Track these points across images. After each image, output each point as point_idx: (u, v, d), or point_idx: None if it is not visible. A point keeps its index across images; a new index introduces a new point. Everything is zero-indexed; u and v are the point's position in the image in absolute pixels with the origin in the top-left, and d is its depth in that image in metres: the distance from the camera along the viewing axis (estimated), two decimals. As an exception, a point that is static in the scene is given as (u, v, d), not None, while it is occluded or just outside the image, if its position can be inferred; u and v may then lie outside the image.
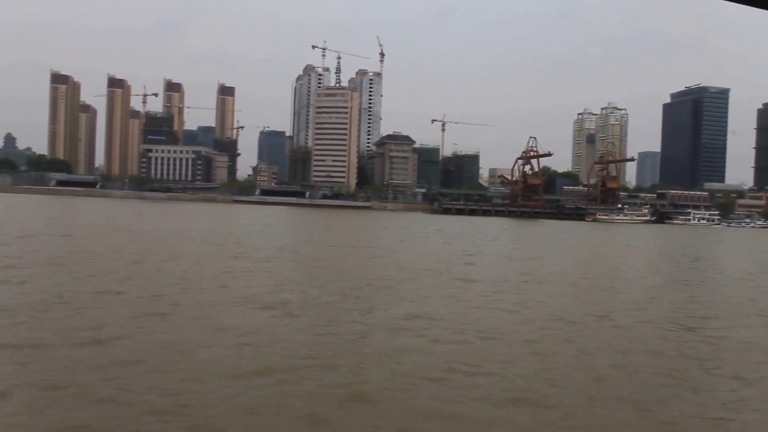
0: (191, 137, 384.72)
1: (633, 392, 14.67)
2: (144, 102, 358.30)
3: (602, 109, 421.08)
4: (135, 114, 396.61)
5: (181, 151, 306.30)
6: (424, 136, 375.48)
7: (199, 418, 11.90)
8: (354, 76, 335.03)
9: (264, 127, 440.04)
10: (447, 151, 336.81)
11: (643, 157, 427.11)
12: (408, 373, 15.25)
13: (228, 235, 65.24)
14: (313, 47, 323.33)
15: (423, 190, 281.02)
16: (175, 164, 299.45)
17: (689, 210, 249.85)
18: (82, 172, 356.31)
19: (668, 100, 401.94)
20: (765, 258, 74.27)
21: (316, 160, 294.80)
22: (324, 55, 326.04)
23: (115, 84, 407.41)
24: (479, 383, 14.75)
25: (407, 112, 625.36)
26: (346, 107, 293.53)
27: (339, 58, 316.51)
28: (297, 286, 29.45)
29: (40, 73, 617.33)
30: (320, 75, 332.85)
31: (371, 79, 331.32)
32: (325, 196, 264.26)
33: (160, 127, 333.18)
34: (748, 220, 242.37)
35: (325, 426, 11.94)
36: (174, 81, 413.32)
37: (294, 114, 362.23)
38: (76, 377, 13.63)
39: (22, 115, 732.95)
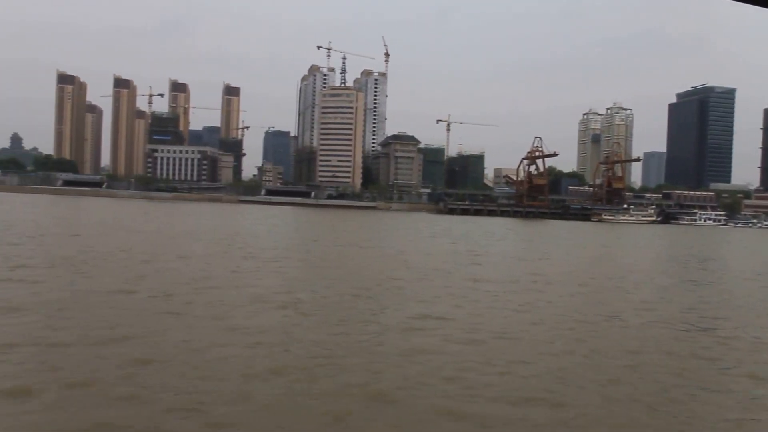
0: (197, 137, 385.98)
1: (647, 392, 14.71)
2: (150, 102, 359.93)
3: (607, 109, 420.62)
4: (141, 114, 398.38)
5: (187, 151, 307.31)
6: (426, 136, 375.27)
7: (216, 417, 12.01)
8: (359, 76, 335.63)
9: (269, 128, 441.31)
10: (452, 152, 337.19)
11: (649, 157, 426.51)
12: (422, 372, 15.34)
13: (235, 235, 65.44)
14: (318, 47, 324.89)
15: (428, 191, 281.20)
16: (180, 164, 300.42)
17: (695, 210, 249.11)
18: (88, 172, 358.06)
19: (673, 100, 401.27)
20: (773, 258, 74.00)
21: (321, 160, 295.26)
22: (329, 56, 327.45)
23: (121, 84, 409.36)
24: (493, 382, 14.82)
25: (410, 112, 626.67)
26: (352, 107, 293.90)
27: (344, 58, 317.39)
28: (307, 285, 29.55)
29: (46, 73, 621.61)
30: (325, 75, 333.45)
31: (376, 80, 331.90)
32: (330, 196, 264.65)
33: (166, 128, 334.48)
34: (755, 221, 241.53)
35: (342, 425, 12.02)
36: (180, 81, 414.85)
37: (299, 114, 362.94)
38: (96, 375, 13.77)
39: (29, 115, 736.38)
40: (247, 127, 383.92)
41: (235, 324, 19.78)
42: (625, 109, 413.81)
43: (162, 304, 22.40)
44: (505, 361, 16.75)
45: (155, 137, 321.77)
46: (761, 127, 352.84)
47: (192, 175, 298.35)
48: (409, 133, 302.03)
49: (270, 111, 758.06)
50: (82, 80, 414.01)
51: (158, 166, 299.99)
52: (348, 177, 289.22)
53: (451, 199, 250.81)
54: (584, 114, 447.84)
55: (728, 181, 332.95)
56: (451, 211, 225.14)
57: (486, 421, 12.41)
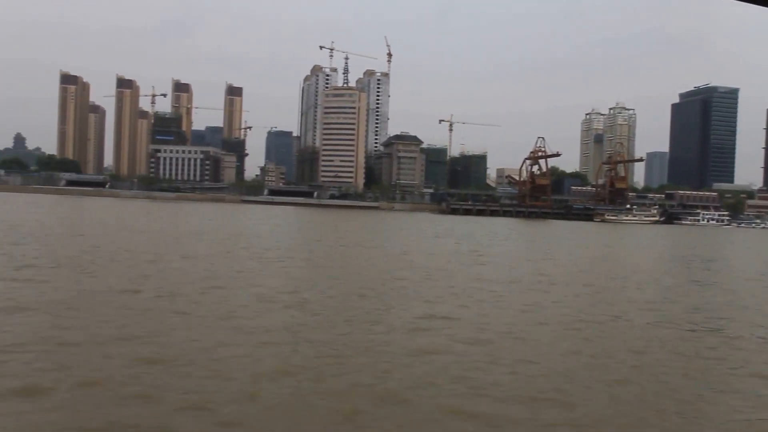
0: (199, 137, 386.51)
1: (655, 392, 14.73)
2: (153, 102, 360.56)
3: (610, 109, 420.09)
4: (144, 114, 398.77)
5: (190, 152, 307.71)
6: (427, 136, 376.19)
7: (224, 416, 12.07)
8: (361, 76, 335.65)
9: (271, 128, 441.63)
10: (454, 152, 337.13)
11: (651, 157, 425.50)
12: (429, 371, 15.39)
13: (239, 235, 65.54)
14: (321, 47, 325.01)
15: (431, 191, 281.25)
16: (183, 164, 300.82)
17: (698, 210, 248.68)
18: (91, 172, 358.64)
19: (674, 100, 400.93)
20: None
21: (323, 160, 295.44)
22: (331, 56, 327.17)
23: (124, 84, 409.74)
24: (501, 382, 14.86)
25: (412, 112, 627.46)
26: (354, 107, 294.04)
27: (347, 58, 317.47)
28: (312, 285, 29.61)
29: (49, 73, 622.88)
30: (328, 75, 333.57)
31: (379, 80, 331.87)
32: (333, 196, 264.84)
33: (169, 128, 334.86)
34: (758, 221, 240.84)
35: (351, 424, 12.07)
36: (182, 81, 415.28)
37: (301, 114, 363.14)
38: (105, 375, 13.85)
39: (32, 116, 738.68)
40: (250, 127, 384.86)
41: (241, 324, 19.84)
42: (628, 109, 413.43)
43: (168, 304, 22.47)
44: (512, 361, 16.78)
45: (158, 137, 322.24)
46: (764, 127, 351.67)
47: (195, 175, 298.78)
48: (412, 133, 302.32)
49: (272, 111, 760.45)
50: (85, 80, 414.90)
51: (161, 166, 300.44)
52: (351, 177, 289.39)
53: (454, 199, 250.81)
54: (587, 114, 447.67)
55: (731, 181, 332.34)
56: (454, 211, 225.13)
57: (494, 421, 12.45)
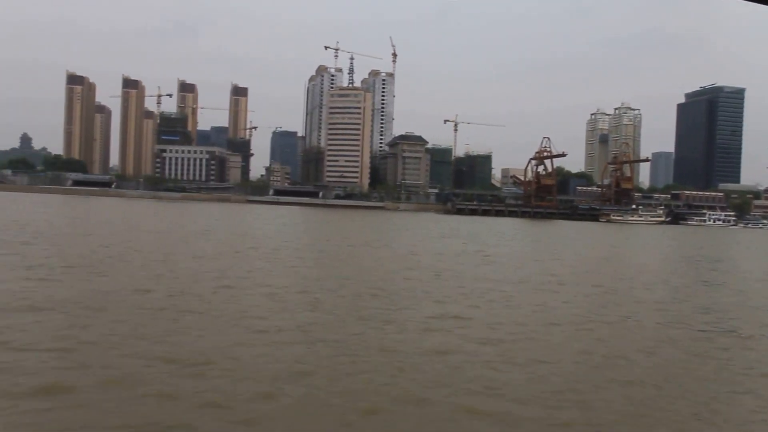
0: (205, 137, 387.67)
1: (669, 393, 14.76)
2: (158, 102, 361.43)
3: (615, 109, 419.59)
4: (149, 114, 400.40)
5: (195, 152, 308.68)
6: (432, 136, 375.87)
7: (241, 414, 12.19)
8: (366, 76, 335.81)
9: (276, 128, 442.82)
10: (459, 152, 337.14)
11: (657, 157, 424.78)
12: (444, 371, 15.48)
13: (247, 234, 65.78)
14: (326, 48, 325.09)
15: (436, 191, 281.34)
16: (189, 164, 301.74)
17: (704, 211, 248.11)
18: (97, 172, 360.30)
19: (679, 100, 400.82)
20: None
21: (329, 161, 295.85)
22: (336, 56, 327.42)
23: (130, 85, 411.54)
24: (515, 382, 14.92)
25: (416, 112, 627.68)
26: (359, 107, 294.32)
27: (352, 58, 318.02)
28: (323, 285, 29.70)
29: (55, 74, 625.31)
30: (333, 75, 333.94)
31: (384, 80, 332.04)
32: (338, 197, 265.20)
33: (174, 128, 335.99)
34: (765, 221, 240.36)
35: (369, 423, 12.15)
36: (188, 82, 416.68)
37: (306, 114, 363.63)
38: (125, 373, 13.99)
39: (38, 116, 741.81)
40: (255, 128, 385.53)
41: (254, 323, 19.95)
42: (633, 109, 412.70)
43: (181, 304, 22.59)
44: (525, 361, 16.85)
45: (164, 137, 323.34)
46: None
47: (200, 175, 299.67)
48: (416, 133, 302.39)
49: (277, 111, 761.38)
50: (91, 81, 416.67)
51: (167, 166, 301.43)
52: (356, 177, 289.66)
53: (459, 200, 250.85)
54: (592, 114, 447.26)
55: (737, 181, 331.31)
56: (459, 212, 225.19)
57: (511, 420, 12.52)
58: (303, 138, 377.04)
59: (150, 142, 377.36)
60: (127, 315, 20.09)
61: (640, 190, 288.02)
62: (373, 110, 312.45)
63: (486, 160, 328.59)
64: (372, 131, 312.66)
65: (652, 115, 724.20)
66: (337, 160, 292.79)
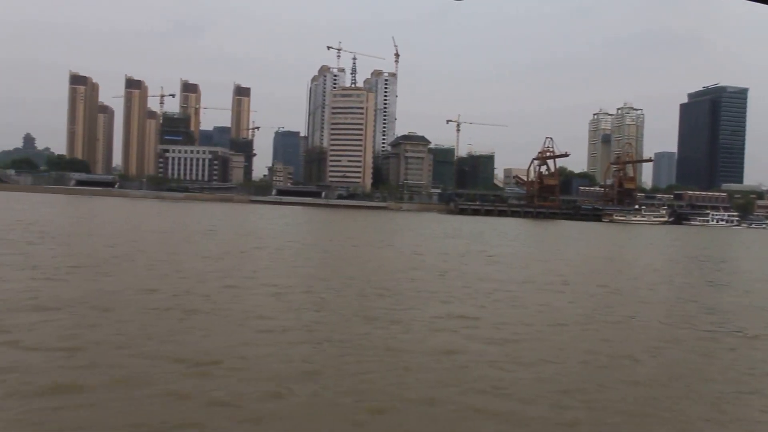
0: (207, 138, 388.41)
1: (677, 393, 14.78)
2: (161, 103, 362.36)
3: (618, 109, 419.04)
4: (152, 114, 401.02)
5: (198, 152, 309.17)
6: (434, 136, 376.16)
7: (250, 413, 12.24)
8: (368, 76, 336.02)
9: (279, 128, 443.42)
10: (462, 152, 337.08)
11: (659, 157, 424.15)
12: (452, 370, 15.51)
13: (250, 234, 65.86)
14: (329, 48, 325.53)
15: (438, 191, 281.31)
16: (191, 164, 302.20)
17: (707, 211, 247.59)
18: (100, 172, 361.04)
19: (680, 100, 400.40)
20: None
21: (331, 161, 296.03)
22: (339, 56, 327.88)
23: (133, 85, 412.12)
24: (523, 381, 14.94)
25: (417, 113, 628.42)
26: (362, 108, 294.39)
27: (354, 58, 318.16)
28: (329, 284, 29.72)
29: (58, 74, 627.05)
30: (335, 76, 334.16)
31: (386, 80, 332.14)
32: (341, 197, 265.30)
33: (177, 128, 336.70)
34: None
35: (378, 422, 12.18)
36: (191, 82, 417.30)
37: (309, 114, 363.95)
38: (134, 372, 14.05)
39: (41, 116, 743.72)
40: (258, 128, 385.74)
41: (260, 323, 20.00)
42: (636, 109, 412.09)
43: (186, 304, 22.64)
44: (532, 361, 16.87)
45: (166, 137, 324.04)
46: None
47: (203, 175, 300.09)
48: (419, 134, 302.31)
49: (280, 111, 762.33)
50: (94, 81, 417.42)
51: (169, 166, 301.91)
52: (358, 177, 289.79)
53: (462, 200, 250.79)
54: (594, 114, 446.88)
55: (740, 181, 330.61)
56: (462, 212, 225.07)
57: (516, 420, 12.54)
58: (305, 138, 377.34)
59: (153, 142, 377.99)
60: (133, 315, 20.16)
61: (642, 190, 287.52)
62: (375, 110, 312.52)
63: (488, 160, 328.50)
64: (375, 131, 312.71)
65: (653, 115, 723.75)
66: (339, 160, 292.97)
